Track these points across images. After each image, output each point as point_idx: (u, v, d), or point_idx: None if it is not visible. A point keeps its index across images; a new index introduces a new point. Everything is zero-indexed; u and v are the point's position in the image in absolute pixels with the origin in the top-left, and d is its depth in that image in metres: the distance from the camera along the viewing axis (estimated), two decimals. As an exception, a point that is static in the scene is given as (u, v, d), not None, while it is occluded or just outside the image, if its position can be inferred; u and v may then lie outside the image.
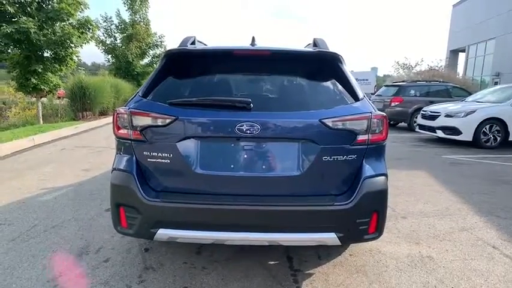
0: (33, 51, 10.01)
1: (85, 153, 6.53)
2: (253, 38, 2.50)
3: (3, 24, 8.76)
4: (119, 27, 24.12)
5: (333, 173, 2.03)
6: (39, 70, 10.09)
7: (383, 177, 2.09)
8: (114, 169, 2.11)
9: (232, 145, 2.00)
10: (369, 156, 2.06)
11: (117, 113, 2.08)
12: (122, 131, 2.07)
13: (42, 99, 15.53)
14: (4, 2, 8.51)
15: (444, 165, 6.15)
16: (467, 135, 7.86)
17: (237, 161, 2.00)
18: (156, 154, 2.01)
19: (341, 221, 1.97)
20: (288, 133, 1.99)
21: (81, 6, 10.38)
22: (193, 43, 2.66)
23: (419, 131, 9.23)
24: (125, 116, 2.04)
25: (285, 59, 2.29)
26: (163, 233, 1.99)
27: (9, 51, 10.05)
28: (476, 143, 7.84)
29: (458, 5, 27.37)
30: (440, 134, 8.30)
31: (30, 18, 9.23)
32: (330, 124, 1.96)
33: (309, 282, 2.33)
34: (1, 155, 6.30)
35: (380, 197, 2.07)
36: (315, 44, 2.67)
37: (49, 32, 9.85)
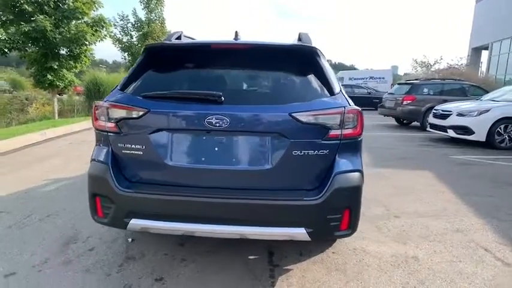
0: (49, 49, 10.37)
1: (92, 147, 6.71)
2: (236, 33, 2.51)
3: (22, 23, 9.10)
4: (135, 25, 24.59)
5: (303, 168, 2.01)
6: (55, 67, 10.46)
7: (356, 174, 2.06)
8: (92, 160, 2.16)
9: (204, 138, 2.02)
10: (342, 152, 2.03)
11: (96, 106, 2.13)
12: (99, 123, 2.12)
13: (63, 96, 16.05)
14: (22, 1, 8.84)
15: (452, 165, 5.96)
16: (480, 135, 7.58)
17: (208, 154, 2.01)
18: (130, 146, 2.05)
19: (310, 216, 1.95)
20: (258, 127, 1.98)
21: (95, 5, 10.65)
22: (179, 38, 2.69)
23: (431, 130, 8.97)
24: (102, 108, 2.09)
25: (262, 53, 2.28)
26: (135, 223, 2.03)
27: (27, 49, 10.44)
28: (489, 144, 7.55)
29: (481, 1, 26.39)
30: (451, 133, 8.04)
31: (47, 17, 9.54)
32: (300, 118, 1.94)
33: (285, 278, 2.32)
34: (13, 148, 6.55)
35: (352, 194, 2.03)
36: (299, 39, 2.64)
37: (64, 30, 10.17)
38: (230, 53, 2.25)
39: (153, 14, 25.03)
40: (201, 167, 2.01)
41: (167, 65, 2.26)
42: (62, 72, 10.74)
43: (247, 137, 2.02)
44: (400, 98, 11.16)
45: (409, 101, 10.94)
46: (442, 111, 8.55)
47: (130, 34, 24.92)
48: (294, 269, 2.45)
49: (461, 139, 7.95)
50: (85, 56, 11.23)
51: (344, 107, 2.00)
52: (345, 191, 1.99)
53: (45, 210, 3.44)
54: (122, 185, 2.01)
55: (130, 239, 2.80)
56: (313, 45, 2.23)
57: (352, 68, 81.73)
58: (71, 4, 10.07)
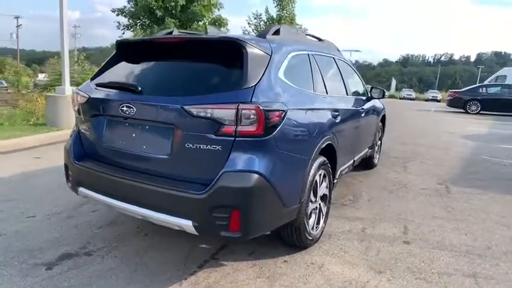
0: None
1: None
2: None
3: (155, 26, 11.13)
4: (267, 23, 26.11)
5: (196, 161, 1.97)
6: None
7: (250, 174, 1.87)
8: (69, 137, 2.66)
9: (126, 124, 2.22)
10: (237, 150, 1.88)
11: (73, 93, 2.61)
12: (74, 107, 2.58)
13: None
14: (154, 7, 10.80)
15: None
16: None
17: (127, 139, 2.21)
18: (83, 127, 2.45)
19: (195, 210, 1.92)
20: (158, 117, 2.06)
21: (215, 7, 12.00)
22: (170, 33, 2.93)
23: None
24: (74, 94, 2.55)
25: (191, 46, 2.30)
26: (82, 191, 2.41)
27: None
28: None
29: None
30: None
31: (173, 20, 11.35)
32: (192, 111, 1.90)
33: (209, 272, 2.31)
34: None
35: (242, 195, 1.87)
36: (276, 32, 2.53)
37: (187, 31, 11.88)
38: (167, 47, 2.38)
39: (285, 11, 26.06)
40: (122, 150, 2.23)
41: (123, 58, 2.53)
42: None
43: (151, 125, 2.13)
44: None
45: None
46: None
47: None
48: (227, 266, 2.40)
49: None
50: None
51: (239, 102, 1.85)
52: (232, 191, 1.86)
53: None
54: (76, 158, 2.42)
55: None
56: (242, 38, 2.10)
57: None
58: (194, 8, 11.65)
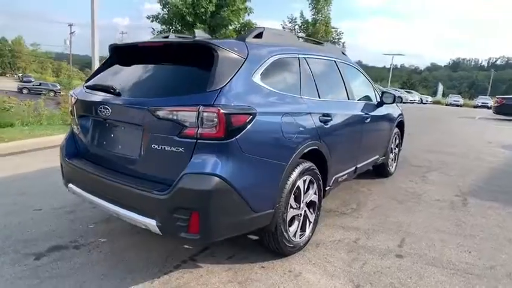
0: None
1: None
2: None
3: (185, 31, 11.52)
4: (302, 27, 25.99)
5: (162, 162, 2.02)
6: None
7: (209, 177, 1.86)
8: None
9: (107, 125, 2.31)
10: (199, 152, 1.89)
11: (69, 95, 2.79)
12: (69, 108, 2.75)
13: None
14: (184, 14, 11.19)
15: None
16: None
17: (108, 138, 2.31)
18: (75, 127, 2.59)
19: (159, 210, 1.96)
20: (129, 118, 2.14)
21: (243, 12, 12.18)
22: (166, 37, 3.03)
23: None
24: (69, 96, 2.72)
25: (170, 50, 2.36)
26: (70, 187, 2.55)
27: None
28: None
29: None
30: None
31: (202, 25, 11.68)
32: (156, 113, 1.95)
33: (183, 273, 2.33)
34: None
35: (201, 197, 1.87)
36: (258, 35, 2.52)
37: (216, 36, 12.15)
38: (149, 51, 2.45)
39: (320, 15, 25.79)
40: (103, 150, 2.34)
41: (115, 61, 2.64)
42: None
43: (124, 126, 2.22)
44: None
45: None
46: None
47: (297, 36, 26.56)
48: (203, 268, 2.41)
49: None
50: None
51: (200, 105, 1.86)
52: (192, 193, 1.86)
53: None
54: (67, 156, 2.58)
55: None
56: (214, 41, 2.12)
57: None
58: (223, 14, 11.91)
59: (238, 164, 1.98)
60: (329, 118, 2.83)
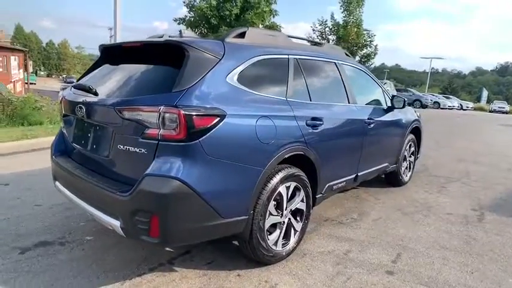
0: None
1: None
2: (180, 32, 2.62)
3: (210, 34, 11.68)
4: (332, 29, 25.48)
5: (127, 163, 2.00)
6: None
7: (169, 180, 1.80)
8: None
9: (85, 125, 2.34)
10: (161, 154, 1.84)
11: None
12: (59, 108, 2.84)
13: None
14: (209, 16, 11.35)
15: None
16: None
17: (86, 138, 2.32)
18: (62, 125, 2.66)
19: (121, 211, 1.94)
20: (99, 118, 2.16)
21: (268, 15, 12.14)
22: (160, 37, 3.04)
23: None
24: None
25: (148, 49, 2.35)
26: (57, 185, 2.61)
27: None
28: None
29: None
30: None
31: (226, 28, 11.78)
32: (122, 112, 1.94)
33: (156, 276, 2.30)
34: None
35: (160, 201, 1.81)
36: (240, 35, 2.46)
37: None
38: (131, 51, 2.45)
39: (351, 17, 25.16)
40: (83, 149, 2.36)
41: (104, 61, 2.66)
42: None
43: (99, 126, 2.21)
44: None
45: None
46: None
47: (327, 38, 26.11)
48: (178, 272, 2.36)
49: None
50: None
51: (161, 105, 1.81)
52: (151, 196, 1.82)
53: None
54: (54, 154, 2.65)
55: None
56: (186, 41, 2.07)
57: None
58: (247, 16, 11.95)
59: (202, 167, 1.91)
60: (319, 122, 2.69)
